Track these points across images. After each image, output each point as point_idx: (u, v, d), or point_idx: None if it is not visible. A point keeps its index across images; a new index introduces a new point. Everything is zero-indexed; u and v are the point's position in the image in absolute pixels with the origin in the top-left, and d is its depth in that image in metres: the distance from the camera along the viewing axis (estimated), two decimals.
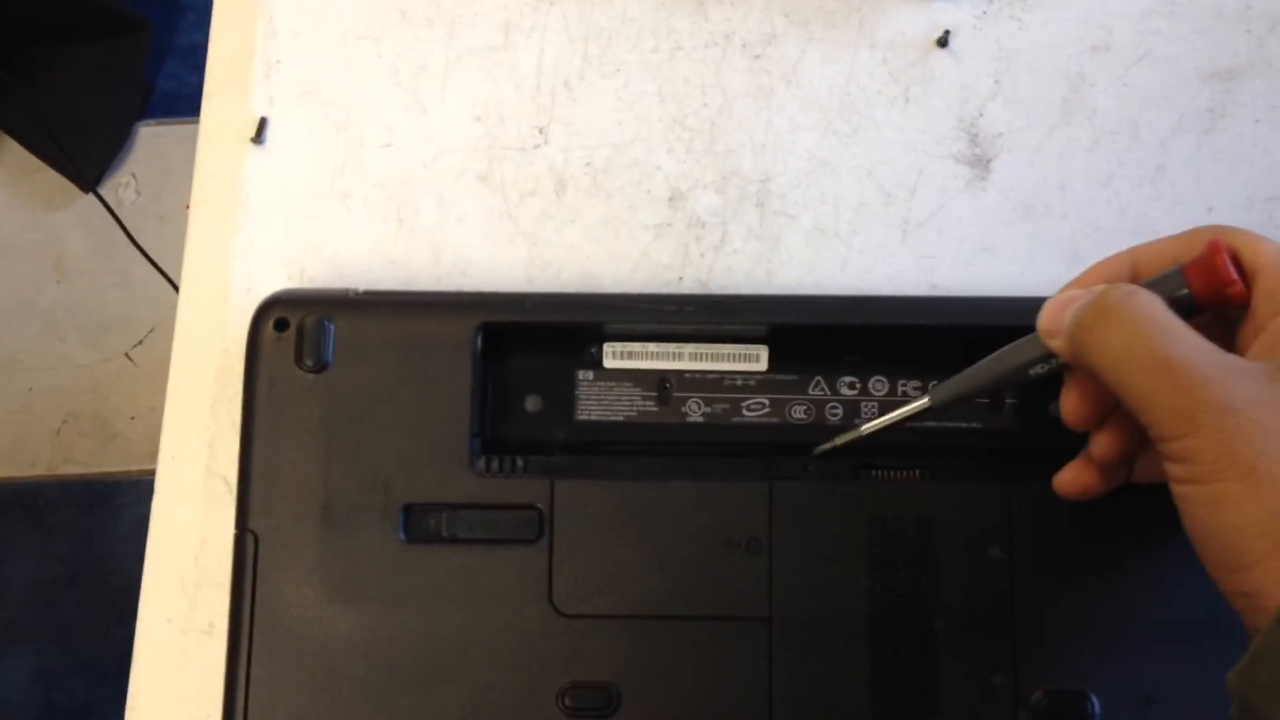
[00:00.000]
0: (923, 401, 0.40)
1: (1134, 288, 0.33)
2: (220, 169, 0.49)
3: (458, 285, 0.47)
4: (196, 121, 0.50)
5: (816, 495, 0.42)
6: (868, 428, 0.42)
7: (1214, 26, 0.50)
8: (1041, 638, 0.41)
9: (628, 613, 0.42)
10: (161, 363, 0.48)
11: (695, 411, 0.45)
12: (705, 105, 0.49)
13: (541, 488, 0.43)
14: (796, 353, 0.45)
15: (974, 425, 0.45)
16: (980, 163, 0.48)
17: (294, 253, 0.48)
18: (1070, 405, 0.37)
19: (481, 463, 0.43)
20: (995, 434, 0.45)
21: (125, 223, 1.24)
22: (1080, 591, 0.42)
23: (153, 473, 0.47)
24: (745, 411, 0.45)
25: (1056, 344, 0.35)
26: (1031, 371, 0.37)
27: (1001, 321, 0.44)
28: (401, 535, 0.42)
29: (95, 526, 1.28)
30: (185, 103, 1.38)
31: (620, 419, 0.45)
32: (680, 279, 0.48)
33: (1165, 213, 0.48)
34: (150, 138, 1.36)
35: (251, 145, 0.49)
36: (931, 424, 0.45)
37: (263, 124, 0.49)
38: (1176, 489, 0.31)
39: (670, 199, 0.48)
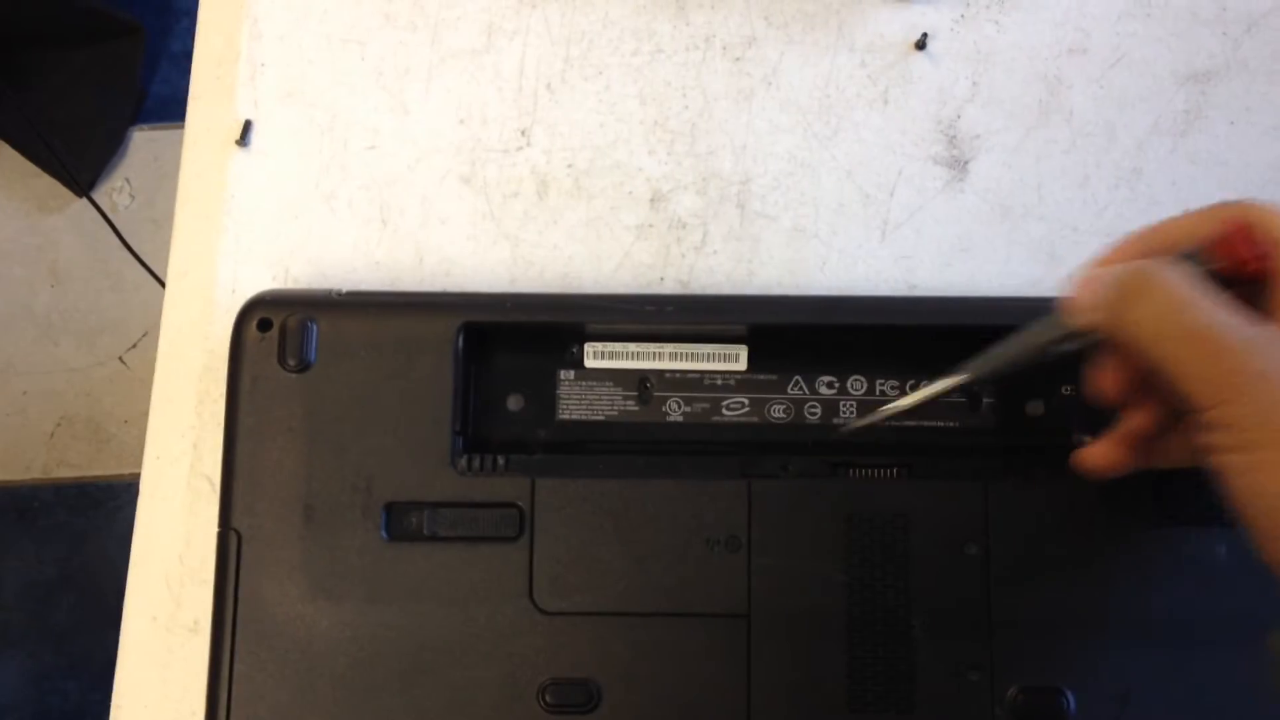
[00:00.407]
0: (960, 376, 0.40)
1: (1166, 262, 0.33)
2: (205, 171, 0.49)
3: (441, 286, 0.48)
4: None
5: (795, 493, 0.43)
6: (903, 403, 0.41)
7: (1189, 29, 0.50)
8: (1018, 635, 0.42)
9: (607, 610, 0.42)
10: (155, 367, 0.48)
11: (675, 411, 0.46)
12: (686, 107, 0.50)
13: (522, 486, 0.43)
14: (776, 352, 0.46)
15: (952, 424, 0.46)
16: (958, 164, 0.49)
17: (279, 254, 0.48)
18: (1102, 381, 0.37)
19: (463, 461, 0.43)
20: (973, 433, 0.46)
21: (119, 227, 1.25)
22: (1057, 589, 0.42)
23: None
24: (725, 411, 0.46)
25: (1089, 318, 0.35)
26: (1065, 347, 0.37)
27: (979, 321, 0.44)
28: (383, 533, 0.42)
29: (89, 530, 1.28)
30: (179, 107, 1.36)
31: (601, 418, 0.46)
32: (661, 279, 0.48)
33: (1141, 213, 0.48)
34: (144, 142, 1.37)
35: (236, 147, 0.49)
36: (910, 423, 0.45)
37: (248, 126, 0.49)
38: (1216, 459, 0.32)
39: (652, 200, 0.49)
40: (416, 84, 0.50)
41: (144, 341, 1.31)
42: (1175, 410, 0.36)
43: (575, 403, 0.46)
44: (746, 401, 0.46)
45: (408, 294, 0.46)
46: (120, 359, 1.31)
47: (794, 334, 0.45)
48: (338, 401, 0.43)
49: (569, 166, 0.49)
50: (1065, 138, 0.49)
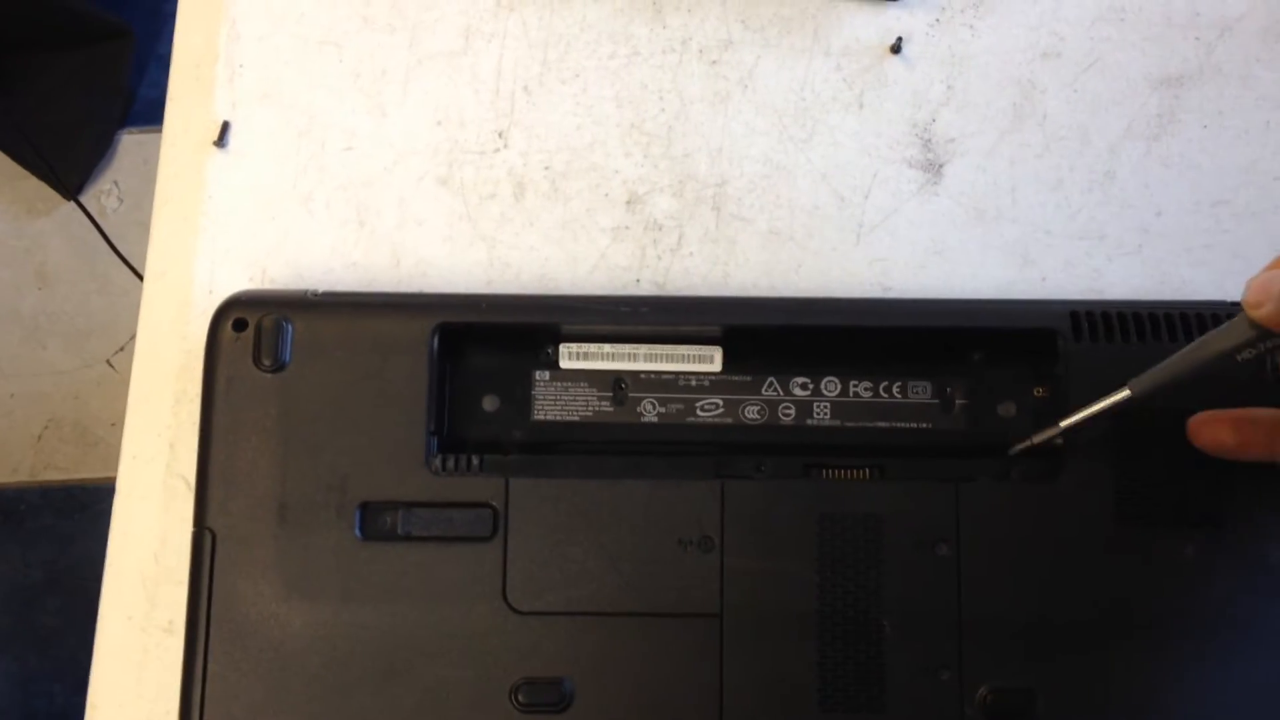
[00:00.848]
0: (1124, 393, 0.40)
1: None
2: (183, 171, 0.50)
3: (418, 287, 0.48)
4: None
5: (767, 494, 0.43)
6: (1067, 424, 0.41)
7: (1163, 34, 0.50)
8: (988, 635, 0.42)
9: (581, 610, 0.42)
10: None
11: (650, 411, 0.46)
12: (663, 110, 0.50)
13: (497, 486, 0.43)
14: (750, 354, 0.46)
15: (924, 425, 0.46)
16: (933, 167, 0.49)
17: (256, 254, 0.48)
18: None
19: (438, 461, 0.43)
20: (945, 434, 0.46)
21: (107, 230, 1.25)
22: (1027, 589, 0.42)
23: None
24: (699, 412, 0.46)
25: (1264, 312, 0.35)
26: (1239, 357, 0.37)
27: (953, 323, 0.45)
28: (358, 533, 0.43)
29: (76, 532, 1.28)
30: None
31: (576, 419, 0.46)
32: (638, 281, 0.48)
33: (1114, 217, 0.48)
34: (132, 145, 1.37)
35: (214, 148, 0.49)
36: (882, 424, 0.46)
37: (225, 127, 0.49)
38: None
39: (628, 202, 0.49)
40: (394, 86, 0.50)
41: (131, 345, 1.30)
42: None
43: (550, 403, 0.46)
44: (721, 402, 0.46)
45: (383, 295, 0.46)
46: (108, 362, 1.31)
47: (768, 336, 0.45)
48: (313, 401, 0.43)
49: (546, 168, 0.49)
50: (1039, 141, 0.49)
